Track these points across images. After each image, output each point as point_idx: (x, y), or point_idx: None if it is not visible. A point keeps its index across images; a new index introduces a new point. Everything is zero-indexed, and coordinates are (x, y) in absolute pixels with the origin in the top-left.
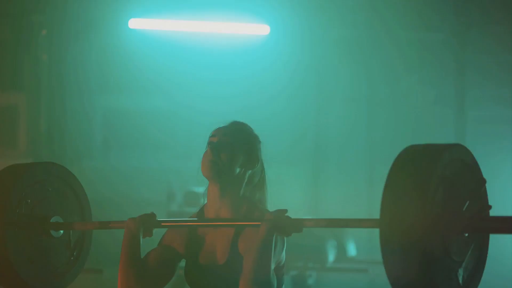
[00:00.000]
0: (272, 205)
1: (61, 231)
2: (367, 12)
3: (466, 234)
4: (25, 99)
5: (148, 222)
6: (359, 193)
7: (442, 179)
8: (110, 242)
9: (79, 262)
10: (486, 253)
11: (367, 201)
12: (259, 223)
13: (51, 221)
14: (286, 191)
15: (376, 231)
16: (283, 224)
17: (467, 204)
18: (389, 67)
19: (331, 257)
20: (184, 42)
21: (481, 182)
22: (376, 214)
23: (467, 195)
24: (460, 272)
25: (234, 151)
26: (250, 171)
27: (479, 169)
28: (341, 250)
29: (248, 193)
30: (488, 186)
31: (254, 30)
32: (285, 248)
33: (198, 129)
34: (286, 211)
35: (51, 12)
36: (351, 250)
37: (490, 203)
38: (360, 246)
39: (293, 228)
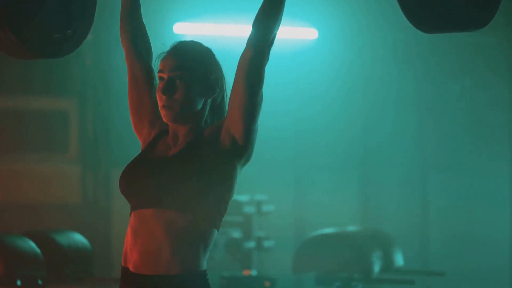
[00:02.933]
0: (318, 213)
1: None
2: None
3: None
4: (73, 104)
5: None
6: (410, 201)
7: None
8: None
9: (76, 38)
10: None
11: (419, 206)
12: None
13: None
14: (333, 198)
15: (427, 243)
16: None
17: None
18: (440, 71)
19: (376, 267)
20: (229, 47)
21: None
22: (431, 223)
23: None
24: None
25: (187, 86)
26: (210, 98)
27: None
28: (387, 260)
29: (210, 121)
30: None
31: (302, 34)
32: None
33: None
34: None
35: (96, 17)
36: (398, 260)
37: None
38: (407, 256)
39: None
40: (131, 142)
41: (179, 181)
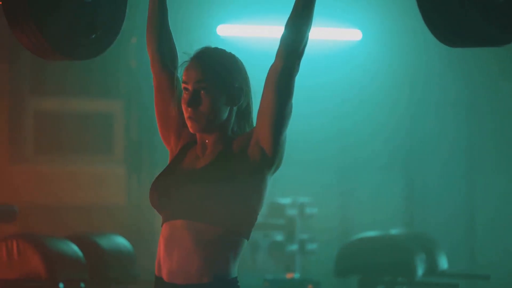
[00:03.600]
0: (363, 215)
1: None
2: None
3: None
4: (118, 106)
5: None
6: (455, 203)
7: None
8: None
9: (102, 42)
10: None
11: (465, 209)
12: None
13: None
14: (377, 200)
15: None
16: None
17: None
18: (489, 72)
19: (420, 271)
20: (273, 49)
21: None
22: (478, 226)
23: None
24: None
25: (212, 97)
26: (236, 106)
27: None
28: (431, 263)
29: (236, 127)
30: None
31: (346, 35)
32: None
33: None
34: None
35: (140, 19)
36: (442, 263)
37: None
38: (452, 259)
39: None
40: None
41: (209, 194)
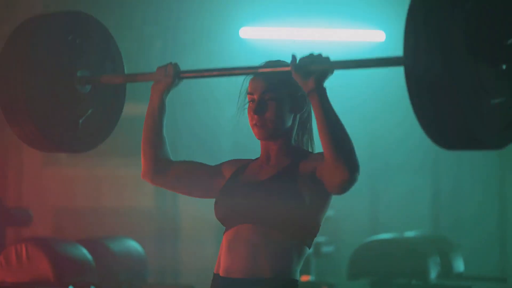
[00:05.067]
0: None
1: (88, 87)
2: None
3: (504, 66)
4: (139, 108)
5: (175, 69)
6: (485, 206)
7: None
8: None
9: (106, 127)
10: None
11: (497, 213)
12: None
13: (77, 75)
14: (404, 202)
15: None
16: (311, 61)
17: None
18: None
19: (433, 273)
20: (296, 51)
21: None
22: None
23: None
24: (492, 102)
25: (277, 105)
26: (299, 114)
27: None
28: (446, 266)
29: (296, 136)
30: None
31: (369, 36)
32: None
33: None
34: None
35: (163, 23)
36: (458, 265)
37: None
38: (468, 263)
39: (320, 61)
40: (199, 148)
41: (275, 204)
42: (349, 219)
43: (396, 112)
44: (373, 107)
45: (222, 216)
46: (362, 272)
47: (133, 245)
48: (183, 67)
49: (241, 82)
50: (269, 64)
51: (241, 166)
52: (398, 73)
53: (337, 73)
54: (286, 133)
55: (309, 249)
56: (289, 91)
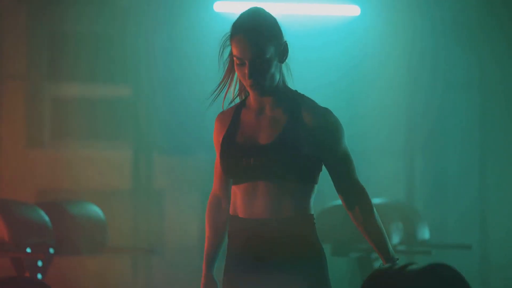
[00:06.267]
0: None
1: None
2: None
3: None
4: (125, 91)
5: None
6: (462, 197)
7: None
8: None
9: None
10: None
11: (477, 197)
12: None
13: None
14: (379, 181)
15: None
16: None
17: None
18: (500, 49)
19: (396, 239)
20: None
21: None
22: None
23: None
24: None
25: (269, 65)
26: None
27: None
28: (410, 232)
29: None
30: None
31: (344, 11)
32: None
33: None
34: None
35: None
36: (423, 233)
37: None
38: (432, 230)
39: None
40: (180, 130)
41: (286, 162)
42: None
43: (362, 85)
44: (339, 80)
45: (232, 176)
46: (324, 237)
47: (94, 209)
48: (158, 42)
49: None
50: (254, 32)
51: (232, 120)
52: (366, 53)
53: (309, 48)
54: (277, 83)
55: (317, 184)
56: (275, 46)
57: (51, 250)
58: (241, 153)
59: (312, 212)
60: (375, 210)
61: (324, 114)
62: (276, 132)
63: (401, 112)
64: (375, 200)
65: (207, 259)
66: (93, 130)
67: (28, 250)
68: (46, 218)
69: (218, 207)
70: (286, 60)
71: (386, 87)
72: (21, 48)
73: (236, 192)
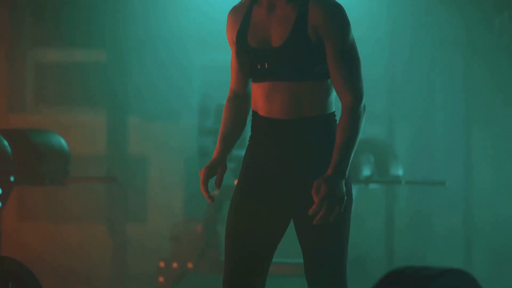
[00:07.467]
0: None
1: None
2: None
3: None
4: (104, 56)
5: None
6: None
7: None
8: None
9: None
10: None
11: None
12: None
13: None
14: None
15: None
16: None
17: None
18: (484, 7)
19: (365, 171)
20: None
21: None
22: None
23: None
24: None
25: None
26: None
27: None
28: (382, 167)
29: None
30: None
31: None
32: None
33: None
34: None
35: None
36: (396, 169)
37: None
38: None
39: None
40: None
41: (301, 61)
42: None
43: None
44: None
45: (249, 77)
46: None
47: (57, 139)
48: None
49: None
50: None
51: (244, 17)
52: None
53: None
54: None
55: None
56: None
57: (12, 178)
58: (255, 57)
59: (333, 110)
60: (360, 125)
61: (330, 8)
62: (287, 31)
63: (385, 78)
64: None
65: (223, 141)
66: (74, 95)
67: None
68: (7, 145)
69: (237, 104)
70: None
71: (372, 57)
72: (3, 13)
73: (256, 90)
